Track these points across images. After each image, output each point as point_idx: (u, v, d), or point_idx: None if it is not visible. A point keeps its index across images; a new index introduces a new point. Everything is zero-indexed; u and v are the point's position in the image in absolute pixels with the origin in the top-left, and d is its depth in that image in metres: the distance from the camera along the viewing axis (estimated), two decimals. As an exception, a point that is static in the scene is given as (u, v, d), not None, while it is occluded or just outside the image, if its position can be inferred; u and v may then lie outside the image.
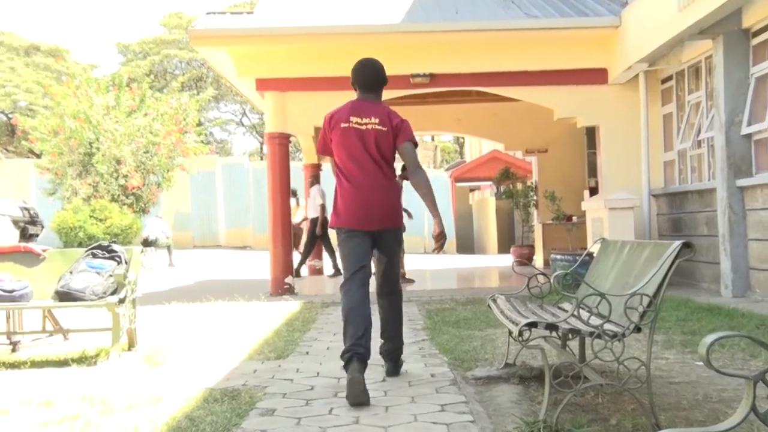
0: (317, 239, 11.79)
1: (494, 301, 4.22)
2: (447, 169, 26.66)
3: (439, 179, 24.14)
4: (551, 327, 3.18)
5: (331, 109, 4.05)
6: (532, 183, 13.98)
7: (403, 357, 4.32)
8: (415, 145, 3.99)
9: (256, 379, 4.23)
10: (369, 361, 3.73)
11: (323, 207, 11.61)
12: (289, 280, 9.35)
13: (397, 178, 4.51)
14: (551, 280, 3.36)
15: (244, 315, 7.38)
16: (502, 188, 15.00)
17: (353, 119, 3.95)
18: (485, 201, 24.00)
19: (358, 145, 3.91)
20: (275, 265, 9.40)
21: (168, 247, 16.51)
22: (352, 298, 3.81)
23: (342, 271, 3.95)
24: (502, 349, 4.91)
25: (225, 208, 22.86)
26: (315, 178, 12.33)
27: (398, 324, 4.22)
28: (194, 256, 19.31)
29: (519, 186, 14.47)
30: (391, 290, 4.19)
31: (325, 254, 12.33)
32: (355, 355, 3.64)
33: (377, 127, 3.93)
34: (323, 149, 4.06)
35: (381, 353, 4.24)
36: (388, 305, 4.19)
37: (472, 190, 27.87)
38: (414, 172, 3.97)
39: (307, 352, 5.17)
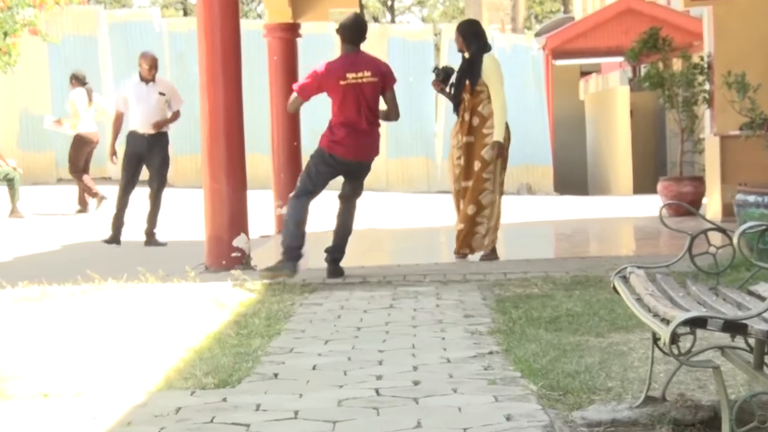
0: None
1: (625, 279, 4.27)
2: (538, 35, 26.34)
3: (522, 53, 23.88)
4: (734, 327, 3.23)
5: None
6: (701, 58, 13.88)
7: (455, 377, 5.16)
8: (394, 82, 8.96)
9: (181, 425, 4.31)
10: (401, 407, 4.65)
11: (119, 117, 12.67)
12: (240, 242, 9.50)
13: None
14: (735, 241, 3.42)
15: (158, 307, 7.44)
16: (642, 69, 14.63)
17: (350, 75, 8.63)
18: (610, 95, 23.90)
19: (357, 99, 8.64)
20: (214, 215, 9.55)
21: (10, 182, 16.62)
22: (303, 211, 8.87)
23: (298, 187, 8.97)
24: (641, 371, 4.93)
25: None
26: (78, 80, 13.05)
27: (346, 233, 8.99)
28: (60, 197, 19.21)
29: (676, 65, 14.34)
30: (352, 200, 9.01)
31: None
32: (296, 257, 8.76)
33: (371, 79, 8.70)
34: (309, 95, 8.88)
35: (326, 255, 8.97)
36: (347, 210, 8.97)
37: (584, 73, 27.64)
38: (393, 118, 9.21)
39: (276, 375, 5.25)
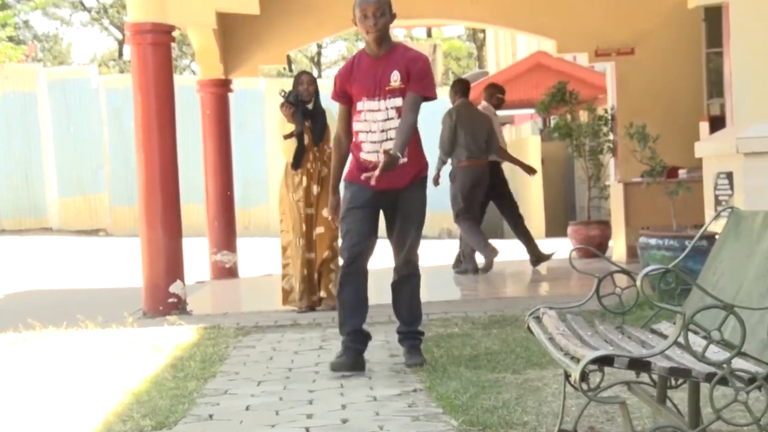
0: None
1: (538, 319, 4.32)
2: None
3: (439, 105, 23.98)
4: (638, 365, 3.27)
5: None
6: (606, 111, 14.02)
7: (382, 415, 5.10)
8: None
9: (120, 466, 4.26)
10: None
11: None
12: (176, 288, 9.46)
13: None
14: (638, 283, 3.40)
15: (97, 353, 7.40)
16: (552, 121, 14.66)
17: None
18: (523, 144, 24.00)
19: None
20: (151, 262, 9.50)
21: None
22: None
23: None
24: (554, 406, 4.98)
25: (57, 160, 22.77)
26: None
27: None
28: (0, 246, 19.34)
29: (583, 116, 14.38)
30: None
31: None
32: None
33: None
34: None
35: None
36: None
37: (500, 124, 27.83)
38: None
39: (211, 416, 5.24)
